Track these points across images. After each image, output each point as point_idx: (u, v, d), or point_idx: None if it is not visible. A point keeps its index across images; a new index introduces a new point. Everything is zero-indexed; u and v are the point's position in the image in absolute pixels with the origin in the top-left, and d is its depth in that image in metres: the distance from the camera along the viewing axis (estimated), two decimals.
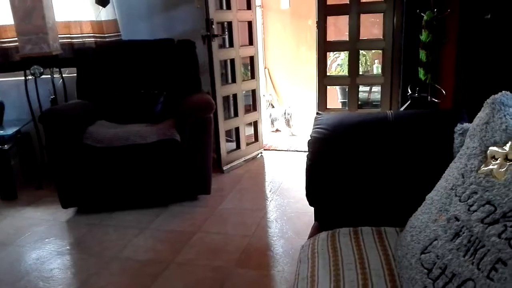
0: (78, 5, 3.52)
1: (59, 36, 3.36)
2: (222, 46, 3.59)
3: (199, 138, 2.81)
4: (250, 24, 3.67)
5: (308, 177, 1.45)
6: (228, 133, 3.71)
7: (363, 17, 3.36)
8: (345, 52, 4.13)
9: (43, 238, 2.52)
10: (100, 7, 3.47)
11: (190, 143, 2.77)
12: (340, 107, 4.58)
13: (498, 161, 0.86)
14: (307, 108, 4.96)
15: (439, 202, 0.98)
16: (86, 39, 3.59)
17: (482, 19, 2.24)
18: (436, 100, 2.75)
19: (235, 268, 2.12)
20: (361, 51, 3.81)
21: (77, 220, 2.75)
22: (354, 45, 3.39)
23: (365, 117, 1.55)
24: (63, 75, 3.38)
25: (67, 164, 2.70)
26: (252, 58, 3.76)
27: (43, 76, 3.23)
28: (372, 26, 4.51)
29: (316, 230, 1.42)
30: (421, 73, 2.73)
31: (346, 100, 3.76)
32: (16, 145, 3.36)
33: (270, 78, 5.65)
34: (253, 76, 3.81)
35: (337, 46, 4.03)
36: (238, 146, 3.73)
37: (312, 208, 1.51)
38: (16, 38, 3.17)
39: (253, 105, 3.86)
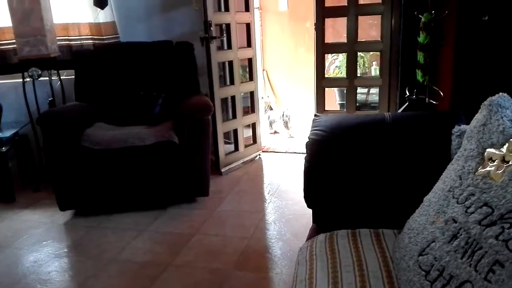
0: (76, 7, 3.52)
1: (57, 38, 3.37)
2: (220, 48, 3.60)
3: (197, 140, 2.81)
4: (248, 26, 3.68)
5: (306, 179, 1.45)
6: (226, 135, 3.71)
7: (361, 19, 3.36)
8: (343, 54, 4.14)
9: (41, 241, 2.51)
10: (98, 9, 3.47)
11: (188, 145, 2.77)
12: (338, 109, 4.58)
13: (495, 163, 0.86)
14: (305, 110, 4.95)
15: (436, 204, 0.98)
16: (84, 41, 3.59)
17: (480, 21, 2.24)
18: (434, 102, 2.76)
19: (233, 270, 2.12)
20: (359, 53, 3.81)
21: (75, 223, 2.75)
22: (352, 47, 3.39)
23: (363, 119, 1.55)
24: (61, 77, 3.38)
25: (65, 166, 2.70)
26: (250, 60, 3.77)
27: (41, 78, 3.23)
28: (370, 28, 4.51)
29: (314, 232, 1.42)
30: (419, 75, 2.73)
31: (344, 102, 3.76)
32: (14, 147, 3.36)
33: (268, 80, 5.65)
34: (251, 78, 3.81)
35: (335, 48, 4.03)
36: (236, 148, 3.73)
37: (310, 210, 1.51)
38: (14, 40, 3.17)
39: (251, 107, 3.86)
